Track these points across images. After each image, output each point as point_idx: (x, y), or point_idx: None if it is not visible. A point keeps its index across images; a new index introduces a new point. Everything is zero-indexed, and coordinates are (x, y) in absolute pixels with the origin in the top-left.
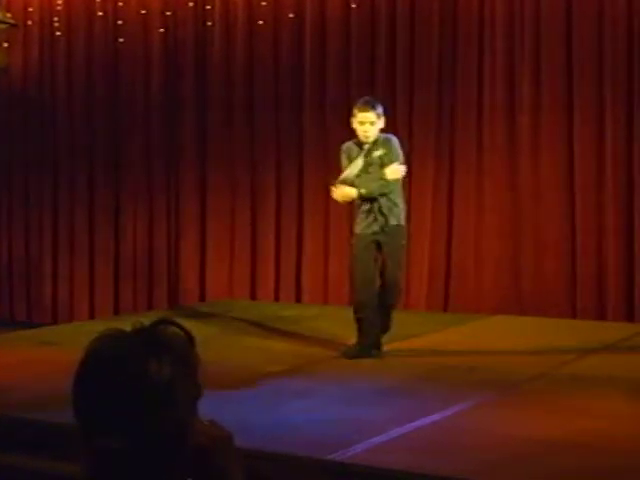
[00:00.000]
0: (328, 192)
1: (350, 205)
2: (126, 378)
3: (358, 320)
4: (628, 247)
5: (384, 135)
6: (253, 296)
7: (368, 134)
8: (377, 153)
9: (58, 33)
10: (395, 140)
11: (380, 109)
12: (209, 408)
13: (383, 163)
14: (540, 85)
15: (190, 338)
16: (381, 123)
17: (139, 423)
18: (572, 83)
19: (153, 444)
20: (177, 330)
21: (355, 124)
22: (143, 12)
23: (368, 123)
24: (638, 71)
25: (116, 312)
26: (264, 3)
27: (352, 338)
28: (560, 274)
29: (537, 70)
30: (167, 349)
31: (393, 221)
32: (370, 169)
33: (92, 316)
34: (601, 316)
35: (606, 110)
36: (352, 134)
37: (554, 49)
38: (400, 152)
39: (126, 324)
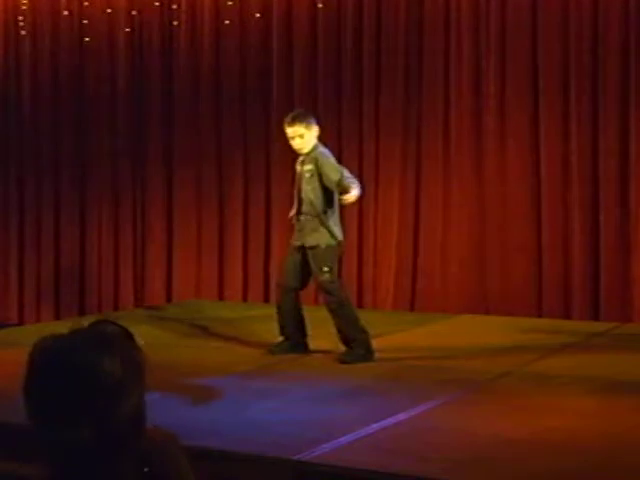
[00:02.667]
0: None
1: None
2: (79, 373)
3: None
4: (593, 246)
5: (318, 150)
6: (220, 296)
7: (298, 147)
8: (306, 167)
9: (23, 32)
10: (323, 155)
11: (308, 120)
12: (175, 409)
13: (311, 182)
14: (505, 84)
15: (129, 335)
16: (314, 132)
17: (93, 418)
18: (537, 81)
19: (107, 439)
20: (117, 328)
21: (289, 140)
22: (109, 11)
23: (297, 137)
24: (603, 70)
25: (81, 313)
26: (230, 3)
27: (315, 337)
28: (526, 273)
29: (502, 69)
30: (115, 345)
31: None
32: (303, 187)
33: (58, 317)
34: (567, 315)
35: (571, 109)
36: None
37: (520, 48)
38: (328, 163)
39: None
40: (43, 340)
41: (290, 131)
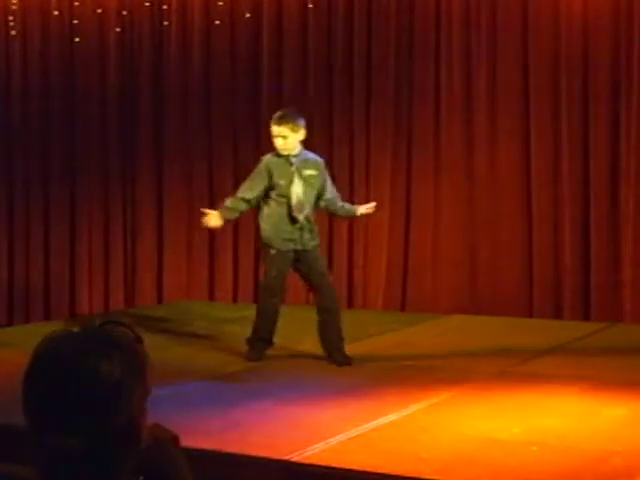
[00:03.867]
0: None
1: None
2: (77, 376)
3: None
4: (584, 246)
5: (312, 155)
6: (211, 297)
7: (280, 147)
8: (308, 172)
9: (13, 32)
10: (324, 163)
11: (297, 122)
12: (166, 409)
13: (315, 186)
14: (496, 83)
15: (138, 337)
16: (299, 136)
17: (90, 421)
18: (528, 79)
19: (104, 443)
20: (125, 330)
21: (272, 137)
22: (99, 11)
23: (280, 137)
24: (593, 66)
25: (71, 314)
26: (221, 3)
27: (306, 338)
28: (516, 274)
29: (493, 67)
30: (116, 348)
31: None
32: (307, 190)
33: (48, 317)
34: (557, 315)
35: (562, 107)
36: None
37: (510, 46)
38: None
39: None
40: (45, 339)
41: (275, 130)
